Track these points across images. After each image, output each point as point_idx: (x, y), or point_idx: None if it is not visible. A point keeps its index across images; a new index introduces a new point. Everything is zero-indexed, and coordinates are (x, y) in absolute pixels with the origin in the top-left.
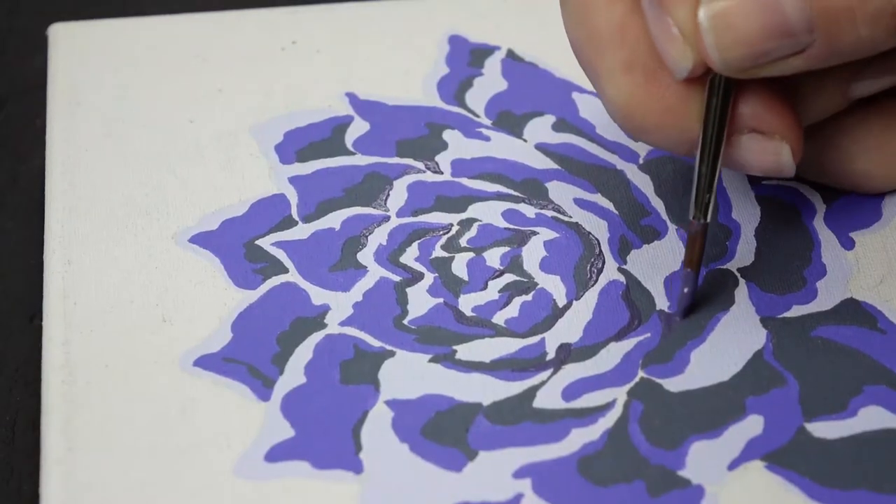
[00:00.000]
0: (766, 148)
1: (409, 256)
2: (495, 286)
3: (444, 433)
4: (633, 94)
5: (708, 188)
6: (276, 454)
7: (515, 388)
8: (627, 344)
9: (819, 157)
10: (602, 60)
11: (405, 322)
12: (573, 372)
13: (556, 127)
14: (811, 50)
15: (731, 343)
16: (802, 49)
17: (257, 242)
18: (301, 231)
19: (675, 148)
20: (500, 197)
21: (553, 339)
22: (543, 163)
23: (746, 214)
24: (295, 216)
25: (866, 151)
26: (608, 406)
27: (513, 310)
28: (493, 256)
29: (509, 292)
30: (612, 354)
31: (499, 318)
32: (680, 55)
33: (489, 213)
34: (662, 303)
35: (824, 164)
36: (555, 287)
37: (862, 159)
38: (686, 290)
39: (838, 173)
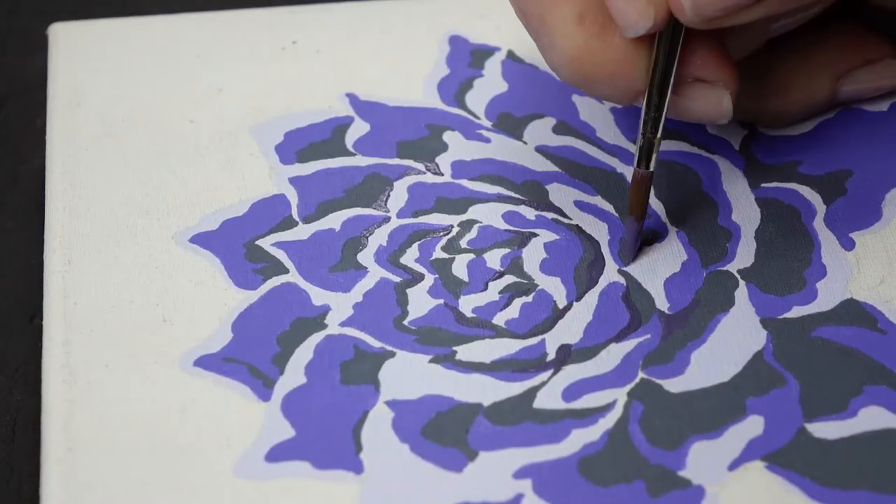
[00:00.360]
0: (710, 95)
1: (410, 257)
2: (495, 287)
3: (444, 434)
4: (585, 46)
5: (652, 136)
6: (277, 454)
7: (516, 388)
8: (627, 345)
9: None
10: (554, 12)
11: (405, 323)
12: (573, 373)
13: (557, 129)
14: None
15: (731, 344)
16: None
17: (258, 243)
18: (301, 231)
19: (620, 99)
20: (500, 199)
21: (553, 341)
22: (544, 165)
23: (746, 216)
24: (295, 217)
25: (773, 91)
26: (608, 407)
27: (513, 311)
28: (494, 258)
29: (510, 293)
30: (612, 355)
31: (499, 320)
32: (641, 13)
33: (489, 215)
34: (662, 304)
35: (743, 102)
36: (555, 288)
37: (768, 98)
38: (629, 237)
39: (745, 113)
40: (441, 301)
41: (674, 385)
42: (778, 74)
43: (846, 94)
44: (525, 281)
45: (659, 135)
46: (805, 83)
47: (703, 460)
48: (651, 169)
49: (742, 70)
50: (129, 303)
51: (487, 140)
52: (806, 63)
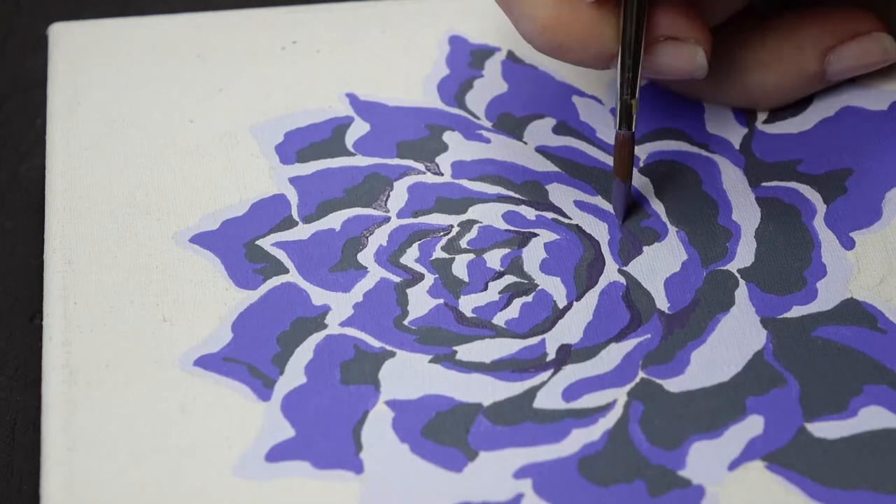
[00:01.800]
0: (682, 52)
1: (410, 257)
2: (495, 287)
3: (444, 433)
4: (555, 14)
5: (629, 97)
6: (277, 454)
7: (516, 388)
8: (628, 345)
9: (718, 76)
10: None
11: (405, 323)
12: (573, 372)
13: (557, 130)
14: None
15: (731, 343)
16: None
17: (258, 242)
18: (301, 231)
19: (595, 63)
20: (500, 199)
21: (553, 340)
22: (544, 165)
23: (746, 216)
24: (295, 216)
25: (762, 65)
26: (608, 406)
27: (513, 311)
28: (494, 258)
29: (510, 293)
30: (612, 355)
31: (499, 319)
32: None
33: (489, 215)
34: (662, 304)
35: (723, 82)
36: (555, 288)
37: (758, 72)
38: (618, 199)
39: (736, 88)
40: (441, 301)
41: (674, 385)
42: (767, 47)
43: (835, 71)
44: (525, 281)
45: (636, 96)
46: (794, 56)
47: (703, 460)
48: (632, 130)
49: (733, 45)
50: (129, 303)
51: (487, 140)
52: (794, 36)
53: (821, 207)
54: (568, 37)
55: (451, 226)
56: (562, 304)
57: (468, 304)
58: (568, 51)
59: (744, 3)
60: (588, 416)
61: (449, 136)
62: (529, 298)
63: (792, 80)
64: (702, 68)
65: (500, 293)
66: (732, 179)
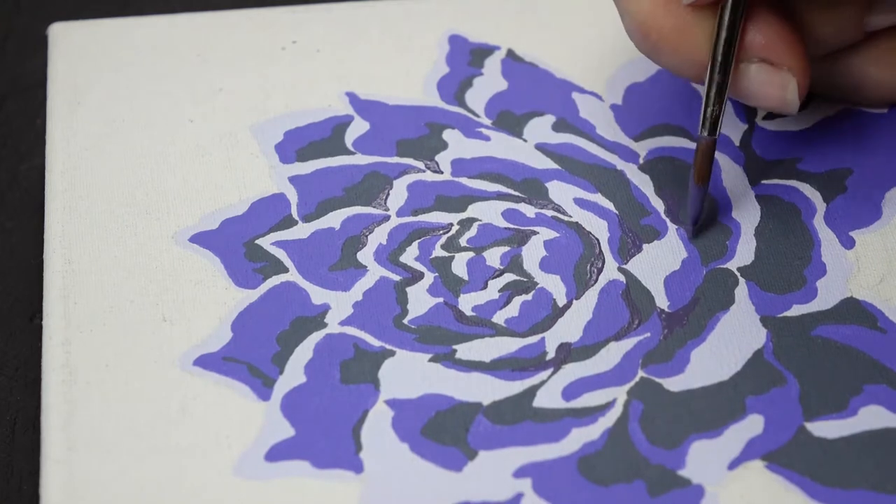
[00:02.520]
0: (773, 80)
1: (409, 256)
2: (495, 286)
3: (444, 433)
4: (651, 12)
5: (716, 105)
6: (277, 454)
7: (515, 387)
8: (627, 343)
9: (830, 70)
10: None
11: (405, 321)
12: (573, 371)
13: (557, 127)
14: None
15: (730, 342)
16: None
17: (257, 242)
18: (301, 230)
19: (686, 70)
20: (500, 197)
21: (553, 339)
22: (543, 163)
23: (746, 214)
24: (295, 215)
25: (876, 59)
26: (608, 405)
27: (513, 309)
28: (493, 256)
29: (509, 292)
30: (612, 354)
31: (499, 318)
32: None
33: (489, 213)
34: (662, 302)
35: (835, 77)
36: (555, 286)
37: (872, 68)
38: (695, 203)
39: (850, 85)
40: (441, 299)
41: (674, 384)
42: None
43: (876, 20)
44: (525, 279)
45: (724, 104)
46: (833, 9)
47: (703, 459)
48: (716, 137)
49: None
50: (129, 302)
51: (487, 138)
52: None
53: (821, 206)
54: (660, 38)
55: (451, 224)
56: (561, 302)
57: (468, 302)
58: (660, 53)
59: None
60: (588, 415)
61: (449, 135)
62: (529, 297)
63: (837, 31)
64: (792, 104)
65: (499, 291)
66: (732, 177)
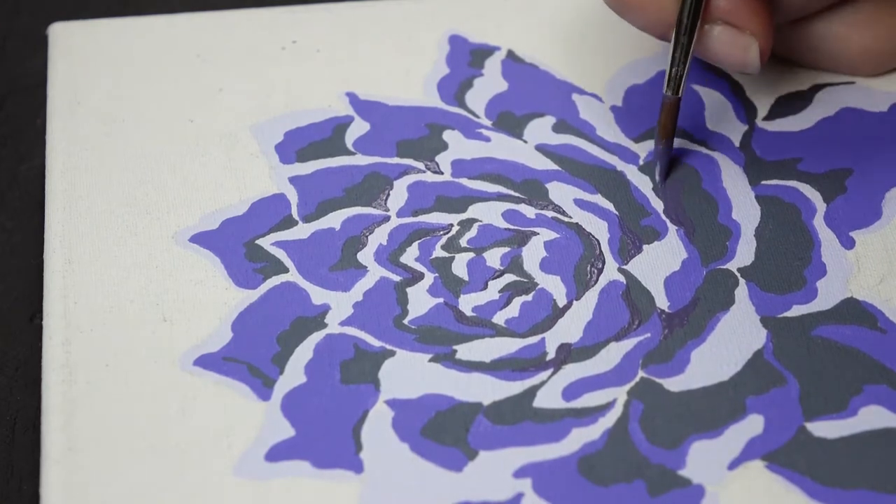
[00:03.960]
0: (736, 41)
1: (410, 256)
2: (495, 286)
3: (444, 433)
4: None
5: (681, 64)
6: (277, 454)
7: (516, 387)
8: (627, 344)
9: (816, 43)
10: None
11: (405, 322)
12: (573, 372)
13: (557, 128)
14: None
15: (731, 343)
16: None
17: (257, 242)
18: (301, 231)
19: (653, 28)
20: (500, 197)
21: (553, 339)
22: (544, 163)
23: (746, 214)
24: (295, 216)
25: (860, 30)
26: (608, 406)
27: (513, 310)
28: (494, 257)
29: (509, 292)
30: (612, 354)
31: (499, 318)
32: None
33: (489, 214)
34: (662, 303)
35: (821, 49)
36: (555, 287)
37: (857, 38)
38: (661, 158)
39: (836, 56)
40: (441, 300)
41: (674, 384)
42: (863, 12)
43: None
44: (525, 280)
45: (688, 65)
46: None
47: (703, 459)
48: (679, 95)
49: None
50: (129, 302)
51: (487, 139)
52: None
53: (821, 206)
54: None
55: (451, 224)
56: (562, 302)
57: (468, 303)
58: (629, 11)
59: (826, 2)
60: (588, 415)
61: (449, 135)
62: (529, 297)
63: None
64: (753, 65)
65: (499, 292)
66: (732, 177)
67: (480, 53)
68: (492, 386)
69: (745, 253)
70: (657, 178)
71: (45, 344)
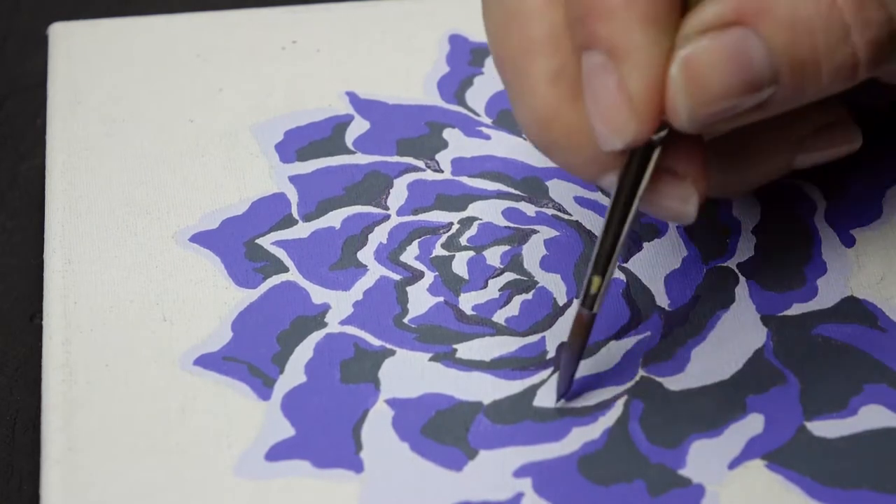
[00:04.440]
0: (676, 191)
1: (410, 255)
2: (495, 285)
3: (444, 432)
4: (555, 108)
5: (600, 275)
6: (277, 453)
7: (516, 386)
8: (628, 342)
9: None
10: (530, 65)
11: (405, 321)
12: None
13: None
14: (772, 100)
15: (731, 341)
16: (764, 101)
17: (258, 241)
18: (301, 230)
19: (585, 172)
20: (500, 195)
21: (553, 338)
22: (544, 161)
23: (746, 212)
24: (295, 215)
25: (744, 153)
26: (608, 405)
27: (513, 308)
28: (494, 255)
29: (510, 291)
30: (612, 353)
31: (499, 317)
32: (622, 123)
33: (489, 212)
34: (663, 301)
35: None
36: (555, 285)
37: (741, 161)
38: (565, 371)
39: (724, 181)
40: (441, 299)
41: (674, 383)
42: (741, 140)
43: (804, 159)
44: (525, 278)
45: (608, 273)
46: (766, 148)
47: (704, 459)
48: (595, 311)
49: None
50: (129, 302)
51: (487, 137)
52: (766, 127)
53: (821, 204)
54: (562, 137)
55: (451, 223)
56: (562, 301)
57: (468, 301)
58: (560, 151)
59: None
60: (588, 414)
61: (449, 133)
62: (529, 296)
63: (761, 175)
64: (689, 216)
65: (500, 290)
66: None
67: (481, 52)
68: (492, 385)
69: (745, 250)
70: (559, 391)
71: (45, 344)
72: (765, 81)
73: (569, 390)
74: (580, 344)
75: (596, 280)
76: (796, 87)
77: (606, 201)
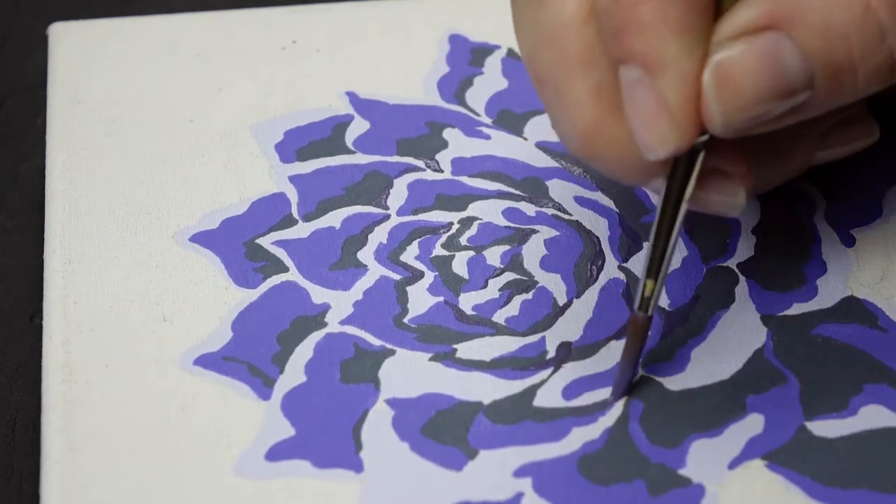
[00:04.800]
0: (724, 188)
1: (410, 255)
2: (496, 284)
3: (444, 432)
4: (598, 122)
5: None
6: (277, 453)
7: (516, 386)
8: None
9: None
10: (571, 83)
11: (405, 321)
12: (573, 370)
13: None
14: (808, 104)
15: (731, 341)
16: (799, 105)
17: (258, 241)
18: (301, 230)
19: (632, 178)
20: (500, 195)
21: (553, 338)
22: (544, 161)
23: (746, 212)
24: (295, 215)
25: (770, 150)
26: (608, 404)
27: (513, 308)
28: (494, 255)
29: (510, 291)
30: (612, 353)
31: (499, 317)
32: (664, 134)
33: (489, 212)
34: (662, 301)
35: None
36: (555, 285)
37: (768, 157)
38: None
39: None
40: (441, 298)
41: (674, 383)
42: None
43: (825, 154)
44: (525, 278)
45: (661, 276)
46: (790, 145)
47: (704, 458)
48: (650, 314)
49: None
50: (129, 302)
51: (487, 137)
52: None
53: (821, 204)
54: (607, 148)
55: (451, 223)
56: (562, 301)
57: (468, 301)
58: (605, 161)
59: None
60: (588, 414)
61: (449, 133)
62: (529, 296)
63: (789, 168)
64: (740, 207)
65: (500, 290)
66: None
67: (481, 52)
68: (492, 385)
69: (745, 250)
70: (615, 395)
71: (45, 344)
72: (799, 86)
73: (625, 394)
74: (638, 347)
75: (650, 283)
76: (832, 91)
77: (607, 201)
